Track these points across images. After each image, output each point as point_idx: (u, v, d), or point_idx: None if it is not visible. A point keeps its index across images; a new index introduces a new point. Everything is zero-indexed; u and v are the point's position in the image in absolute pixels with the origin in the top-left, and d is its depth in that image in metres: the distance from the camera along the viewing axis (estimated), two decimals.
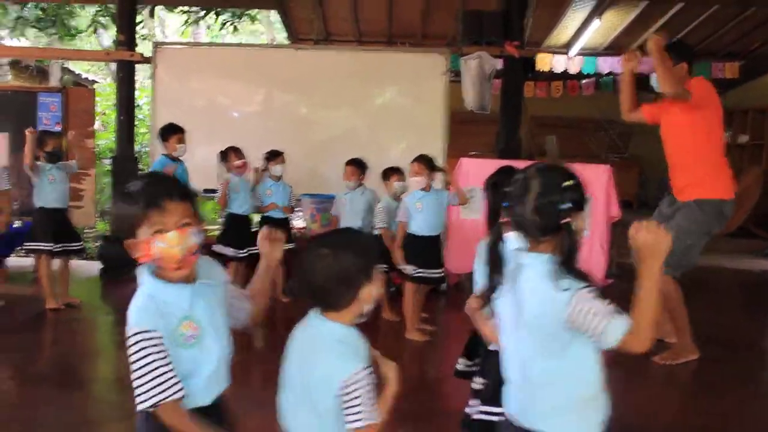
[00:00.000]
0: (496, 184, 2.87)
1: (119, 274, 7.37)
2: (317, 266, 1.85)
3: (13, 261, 7.71)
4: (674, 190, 4.87)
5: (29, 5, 11.05)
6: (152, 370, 1.79)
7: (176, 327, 1.85)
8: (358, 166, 6.23)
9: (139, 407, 1.81)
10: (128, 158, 7.91)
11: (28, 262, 7.85)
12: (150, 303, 1.85)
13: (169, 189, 1.89)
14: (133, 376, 1.81)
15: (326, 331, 1.86)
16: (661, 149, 5.01)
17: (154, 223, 1.83)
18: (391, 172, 5.86)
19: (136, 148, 8.64)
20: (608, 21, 10.19)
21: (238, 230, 6.23)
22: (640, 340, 1.79)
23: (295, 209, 7.32)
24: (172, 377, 1.81)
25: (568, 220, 1.88)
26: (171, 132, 6.16)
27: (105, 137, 11.56)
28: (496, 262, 1.99)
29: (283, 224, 6.53)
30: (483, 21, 7.40)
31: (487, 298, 2.01)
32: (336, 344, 1.83)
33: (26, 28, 11.59)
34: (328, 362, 1.81)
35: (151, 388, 1.79)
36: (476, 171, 6.71)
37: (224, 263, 5.35)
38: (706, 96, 4.63)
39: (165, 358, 1.81)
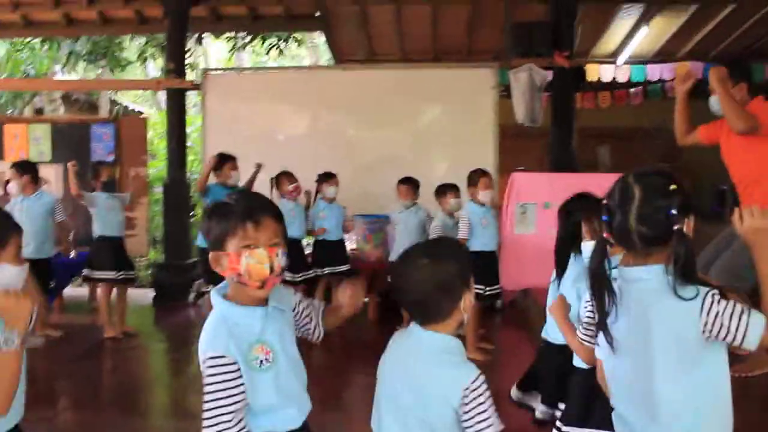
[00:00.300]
0: (569, 213, 2.78)
1: (172, 302, 7.46)
2: (417, 277, 1.80)
3: (69, 291, 7.81)
4: (744, 206, 4.67)
5: (81, 39, 11.29)
6: (219, 405, 1.73)
7: (248, 351, 1.80)
8: (412, 184, 6.18)
9: None
10: (180, 185, 7.98)
11: (84, 291, 7.95)
12: (221, 326, 1.81)
13: (267, 206, 1.89)
14: (204, 403, 1.76)
15: (431, 343, 1.81)
16: (713, 156, 4.84)
17: (247, 237, 1.80)
18: (447, 189, 5.77)
19: (187, 175, 8.70)
20: (657, 27, 9.99)
21: (292, 255, 6.16)
22: None
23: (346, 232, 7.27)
24: (235, 415, 1.75)
25: (679, 226, 1.73)
26: (224, 160, 6.15)
27: (154, 166, 11.72)
28: (603, 285, 1.81)
29: (339, 246, 6.51)
30: (532, 32, 7.30)
31: (601, 325, 1.83)
32: (444, 355, 1.78)
33: (78, 62, 11.83)
34: (441, 375, 1.76)
35: (215, 424, 1.73)
36: (528, 186, 6.61)
37: None
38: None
39: (235, 388, 1.75)
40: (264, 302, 1.89)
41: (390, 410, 1.84)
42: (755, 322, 1.66)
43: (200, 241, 6.30)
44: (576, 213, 2.72)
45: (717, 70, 4.50)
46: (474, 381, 1.74)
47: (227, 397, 1.74)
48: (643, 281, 1.77)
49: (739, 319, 1.66)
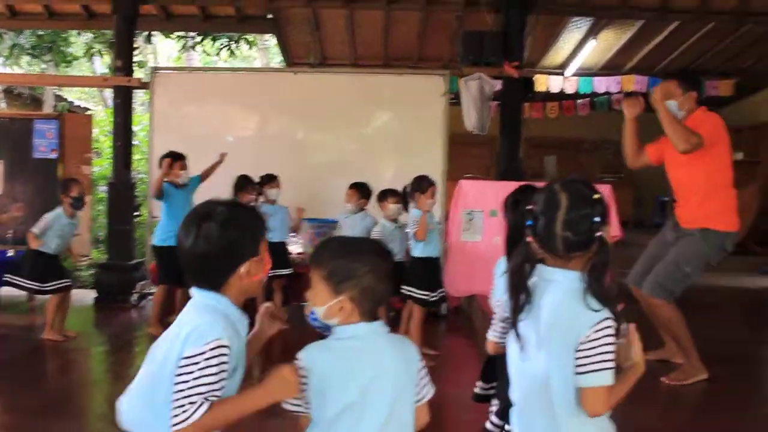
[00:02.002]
0: (517, 202, 2.78)
1: (114, 303, 7.32)
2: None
3: (6, 290, 7.59)
4: (680, 219, 4.82)
5: (26, 33, 11.02)
6: (210, 391, 1.70)
7: (242, 350, 1.84)
8: (359, 189, 6.15)
9: (176, 425, 1.69)
10: (125, 185, 7.84)
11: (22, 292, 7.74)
12: (223, 319, 1.80)
13: None
14: (188, 386, 1.70)
15: (377, 330, 1.86)
16: (655, 168, 4.98)
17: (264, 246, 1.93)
18: (387, 194, 5.76)
19: (132, 174, 8.55)
20: (604, 40, 10.22)
21: None
22: (606, 401, 1.80)
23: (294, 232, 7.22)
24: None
25: (601, 233, 1.84)
26: (174, 159, 6.12)
27: (99, 164, 11.49)
28: (521, 285, 1.90)
29: (281, 249, 6.46)
30: (482, 42, 7.36)
31: (512, 321, 1.92)
32: (390, 337, 1.90)
33: (21, 55, 11.54)
34: (400, 357, 1.85)
35: (199, 402, 1.69)
36: (475, 194, 6.66)
37: None
38: (714, 132, 4.56)
39: (224, 382, 1.74)
40: None
41: (378, 414, 1.80)
42: (606, 375, 1.78)
43: (158, 241, 6.18)
44: (524, 203, 2.71)
45: (660, 88, 4.63)
46: (418, 352, 1.90)
47: (219, 389, 1.72)
48: (558, 282, 1.87)
49: (602, 363, 1.78)
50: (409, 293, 5.30)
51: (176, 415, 1.69)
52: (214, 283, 1.84)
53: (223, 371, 1.72)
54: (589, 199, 1.86)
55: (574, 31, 9.98)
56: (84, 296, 7.70)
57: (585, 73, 10.73)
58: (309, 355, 1.82)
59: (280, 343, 6.03)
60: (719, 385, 4.68)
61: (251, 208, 2.02)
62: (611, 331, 1.79)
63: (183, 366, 1.72)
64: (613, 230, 6.39)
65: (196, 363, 1.71)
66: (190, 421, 1.67)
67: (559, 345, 1.82)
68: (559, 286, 1.86)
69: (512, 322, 1.91)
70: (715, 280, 9.05)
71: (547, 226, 1.86)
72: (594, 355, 1.77)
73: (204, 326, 1.75)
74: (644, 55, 10.60)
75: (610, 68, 11.13)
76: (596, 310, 1.79)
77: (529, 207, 1.92)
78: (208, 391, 1.70)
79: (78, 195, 5.94)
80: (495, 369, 2.99)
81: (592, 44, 10.13)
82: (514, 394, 2.00)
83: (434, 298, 5.32)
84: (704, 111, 4.68)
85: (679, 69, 5.10)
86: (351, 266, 1.81)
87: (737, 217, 4.70)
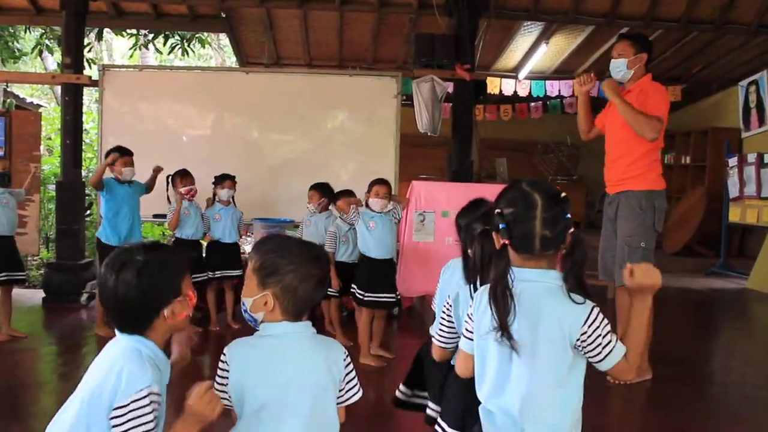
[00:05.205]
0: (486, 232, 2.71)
1: (63, 303, 7.21)
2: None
3: None
4: (609, 185, 4.97)
5: None
6: None
7: (164, 391, 1.82)
8: (320, 189, 6.17)
9: None
10: (74, 183, 7.73)
11: None
12: (147, 361, 1.78)
13: None
14: None
15: (304, 330, 1.91)
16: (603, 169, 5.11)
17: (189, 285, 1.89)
18: (342, 195, 5.79)
19: (83, 173, 8.44)
20: (556, 45, 10.39)
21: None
22: (631, 366, 1.85)
23: (246, 234, 7.22)
24: None
25: (573, 229, 1.86)
26: (120, 154, 6.07)
27: (50, 162, 11.32)
28: (506, 292, 1.85)
29: (233, 249, 6.45)
30: (434, 44, 7.44)
31: (504, 329, 1.85)
32: (318, 340, 1.93)
33: None
34: (320, 354, 1.88)
35: None
36: (428, 194, 6.72)
37: None
38: (664, 104, 4.74)
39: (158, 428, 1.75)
40: None
41: (299, 415, 1.82)
42: (617, 351, 1.83)
43: (105, 238, 6.10)
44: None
45: (608, 82, 4.78)
46: (346, 355, 1.90)
47: None
48: (537, 282, 1.87)
49: (609, 342, 1.82)
50: (352, 292, 5.34)
51: None
52: (137, 327, 1.83)
53: (155, 417, 1.73)
54: (559, 196, 1.87)
55: (526, 36, 10.13)
56: (33, 296, 7.58)
57: (537, 76, 10.92)
58: (231, 349, 1.85)
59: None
60: (662, 384, 4.80)
61: (170, 248, 1.96)
62: (602, 316, 1.83)
63: (117, 417, 1.70)
64: None
65: (131, 412, 1.70)
66: None
67: (557, 342, 1.83)
68: (539, 286, 1.86)
69: (501, 327, 1.85)
70: (663, 281, 9.27)
71: (526, 227, 1.85)
72: (600, 339, 1.81)
73: (133, 373, 1.74)
74: (595, 60, 10.79)
75: (562, 72, 11.32)
76: (582, 303, 1.82)
77: (498, 210, 1.89)
78: None
79: (1, 171, 5.89)
80: (422, 375, 3.00)
81: (543, 49, 10.29)
82: (488, 395, 1.96)
83: (369, 298, 5.29)
84: (650, 79, 4.85)
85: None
86: (277, 262, 1.85)
87: (662, 178, 4.85)
